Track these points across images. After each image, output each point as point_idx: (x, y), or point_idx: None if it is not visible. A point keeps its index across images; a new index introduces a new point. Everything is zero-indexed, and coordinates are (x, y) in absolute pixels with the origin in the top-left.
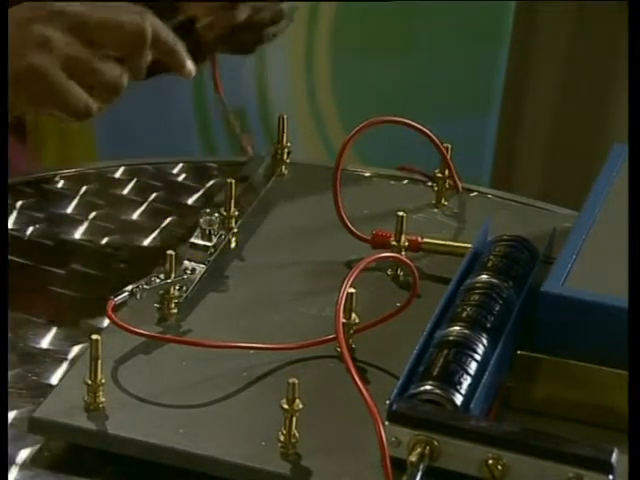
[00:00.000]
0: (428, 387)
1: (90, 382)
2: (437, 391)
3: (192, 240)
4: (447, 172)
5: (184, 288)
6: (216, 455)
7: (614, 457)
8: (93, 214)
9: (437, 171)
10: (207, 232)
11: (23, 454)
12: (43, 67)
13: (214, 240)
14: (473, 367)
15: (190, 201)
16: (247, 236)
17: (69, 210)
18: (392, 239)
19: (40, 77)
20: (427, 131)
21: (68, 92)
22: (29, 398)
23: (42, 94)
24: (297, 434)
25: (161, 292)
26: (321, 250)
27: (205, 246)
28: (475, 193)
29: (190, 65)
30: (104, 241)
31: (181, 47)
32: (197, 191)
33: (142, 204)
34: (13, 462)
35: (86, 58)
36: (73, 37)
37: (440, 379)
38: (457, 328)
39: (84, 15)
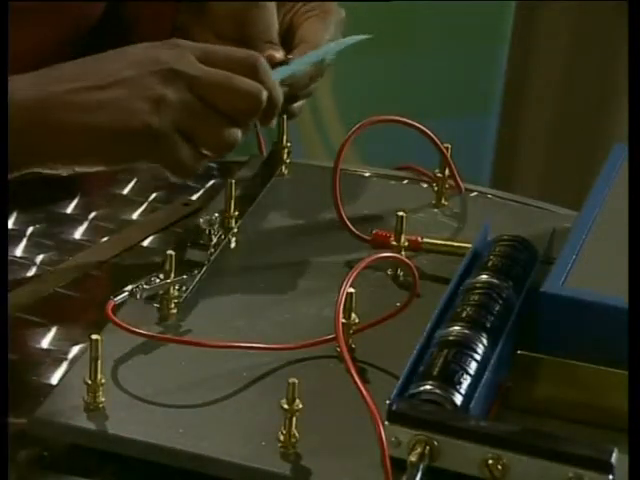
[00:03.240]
0: (428, 387)
1: (90, 382)
2: (437, 391)
3: (192, 240)
4: (447, 172)
5: (184, 288)
6: (216, 455)
7: (614, 457)
8: (93, 214)
9: (437, 171)
10: (207, 232)
11: (23, 454)
12: (159, 128)
13: (214, 240)
14: (473, 367)
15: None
16: (247, 236)
17: (69, 210)
18: (392, 239)
19: (154, 137)
20: (427, 131)
21: (179, 155)
22: (29, 398)
23: (152, 152)
24: (297, 434)
25: (161, 292)
26: (321, 250)
27: (205, 246)
28: (475, 193)
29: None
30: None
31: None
32: (197, 191)
33: (142, 204)
34: (13, 462)
35: (202, 120)
36: (188, 96)
37: (440, 379)
38: (457, 328)
39: (201, 77)
